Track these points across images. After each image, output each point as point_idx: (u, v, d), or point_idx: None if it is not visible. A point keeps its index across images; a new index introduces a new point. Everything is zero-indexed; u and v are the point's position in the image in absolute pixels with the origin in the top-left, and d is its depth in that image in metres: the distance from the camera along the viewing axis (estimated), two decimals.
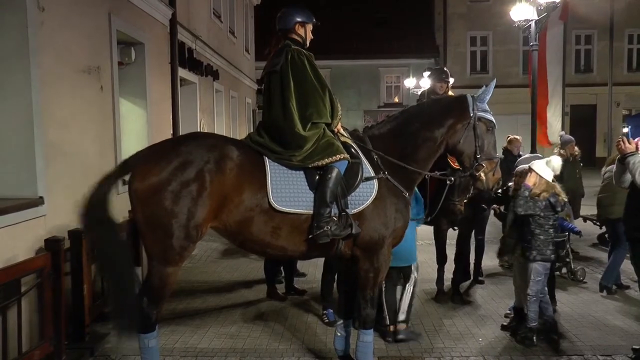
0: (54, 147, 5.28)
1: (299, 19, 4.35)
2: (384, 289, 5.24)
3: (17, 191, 4.94)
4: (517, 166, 5.80)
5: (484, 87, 4.48)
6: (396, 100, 29.35)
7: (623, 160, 4.50)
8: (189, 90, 10.89)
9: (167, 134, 9.00)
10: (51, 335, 4.54)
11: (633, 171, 4.36)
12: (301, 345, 5.11)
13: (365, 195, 4.11)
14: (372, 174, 4.17)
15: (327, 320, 5.66)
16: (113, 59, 6.85)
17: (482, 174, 4.40)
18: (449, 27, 27.60)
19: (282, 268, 6.91)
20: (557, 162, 5.18)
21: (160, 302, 3.93)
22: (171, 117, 9.30)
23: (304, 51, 4.29)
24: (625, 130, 10.53)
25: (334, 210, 3.99)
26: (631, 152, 4.41)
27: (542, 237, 5.05)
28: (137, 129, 7.97)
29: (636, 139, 6.40)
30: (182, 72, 9.95)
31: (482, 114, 4.40)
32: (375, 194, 4.12)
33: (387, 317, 5.28)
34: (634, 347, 4.77)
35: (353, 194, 4.08)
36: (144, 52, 7.96)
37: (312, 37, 4.48)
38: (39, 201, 4.93)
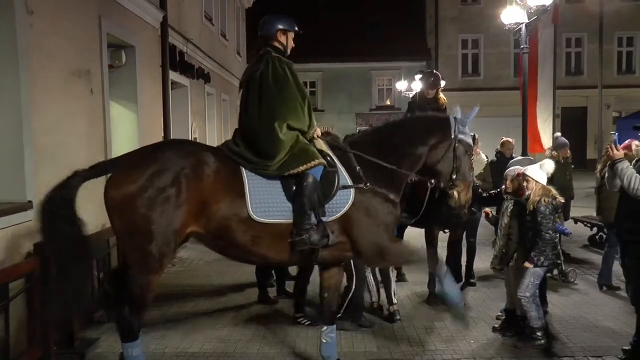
0: (43, 151, 5.25)
1: (280, 27, 4.35)
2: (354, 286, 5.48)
3: (6, 195, 4.91)
4: (509, 168, 5.82)
5: (461, 112, 4.59)
6: (388, 103, 29.44)
7: (612, 166, 4.56)
8: (180, 94, 10.86)
9: (158, 137, 8.96)
10: (40, 340, 4.50)
11: (621, 177, 4.42)
12: (292, 349, 5.09)
13: (341, 203, 4.10)
14: (349, 182, 4.15)
15: (308, 322, 5.68)
16: (103, 62, 6.83)
17: (456, 193, 4.50)
18: (440, 30, 27.71)
19: (273, 272, 6.88)
20: (550, 165, 5.22)
21: (142, 310, 3.90)
22: (162, 120, 9.27)
23: (285, 59, 4.29)
24: (613, 136, 10.56)
25: (313, 219, 3.98)
26: (619, 159, 4.47)
27: (549, 242, 5.07)
28: (128, 132, 7.94)
29: (627, 140, 6.46)
30: (173, 75, 9.92)
31: (463, 136, 4.50)
32: (351, 202, 4.11)
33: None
34: (624, 348, 4.80)
35: (330, 202, 4.08)
36: (134, 55, 7.94)
37: (294, 45, 4.48)
38: (28, 205, 4.90)
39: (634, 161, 4.72)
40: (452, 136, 4.45)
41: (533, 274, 5.08)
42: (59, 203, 3.69)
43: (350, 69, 28.45)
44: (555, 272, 7.29)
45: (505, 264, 5.47)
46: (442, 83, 7.16)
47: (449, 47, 27.75)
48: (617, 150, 4.52)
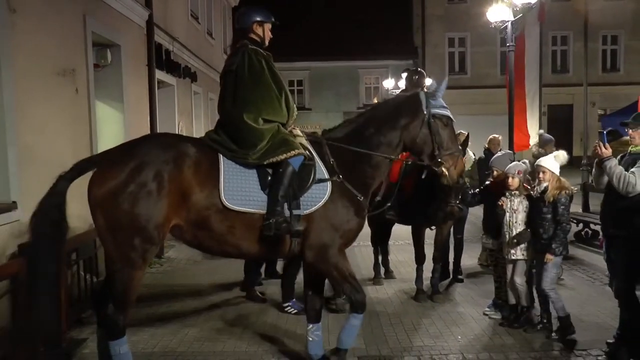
0: (28, 151, 5.20)
1: (257, 18, 4.34)
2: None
3: None
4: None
5: (437, 84, 4.53)
6: (375, 101, 29.41)
7: (600, 164, 4.61)
8: (166, 93, 10.81)
9: None
10: (26, 341, 4.45)
11: (610, 175, 4.47)
12: (281, 347, 5.09)
13: (317, 197, 4.11)
14: (326, 176, 4.16)
15: (295, 311, 5.80)
16: (88, 61, 6.78)
17: (444, 169, 4.40)
18: (427, 28, 27.82)
19: (262, 271, 6.90)
20: (564, 156, 5.26)
21: (126, 307, 3.88)
22: (149, 119, 9.22)
23: (262, 51, 4.29)
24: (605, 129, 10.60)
25: (286, 210, 4.00)
26: (607, 157, 4.51)
27: (567, 232, 5.17)
28: (114, 132, 7.89)
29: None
30: (160, 74, 9.88)
31: (437, 110, 4.40)
32: (328, 196, 4.12)
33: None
34: (607, 341, 4.86)
35: (305, 195, 4.08)
36: (120, 54, 7.89)
37: (271, 36, 4.47)
38: (12, 206, 4.86)
39: (618, 157, 4.77)
40: (424, 112, 4.37)
41: (555, 265, 5.14)
42: (50, 210, 3.70)
43: (337, 68, 28.48)
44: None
45: (513, 247, 5.43)
46: (428, 81, 7.18)
47: (435, 45, 27.86)
48: (605, 148, 4.57)
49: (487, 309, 5.92)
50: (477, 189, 6.18)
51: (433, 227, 6.60)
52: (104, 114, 7.72)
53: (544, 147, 9.02)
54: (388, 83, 24.97)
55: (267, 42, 4.42)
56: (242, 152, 4.04)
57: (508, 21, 10.14)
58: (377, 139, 4.36)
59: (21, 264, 4.46)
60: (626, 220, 4.54)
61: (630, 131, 4.65)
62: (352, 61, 28.28)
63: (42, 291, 3.73)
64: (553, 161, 5.18)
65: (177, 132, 10.89)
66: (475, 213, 8.31)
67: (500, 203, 5.48)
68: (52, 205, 3.71)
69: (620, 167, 4.48)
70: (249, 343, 5.21)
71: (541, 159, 5.29)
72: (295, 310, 5.88)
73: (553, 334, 5.18)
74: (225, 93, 4.28)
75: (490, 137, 9.41)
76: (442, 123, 4.42)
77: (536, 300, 5.48)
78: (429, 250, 6.58)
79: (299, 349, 5.00)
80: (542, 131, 10.70)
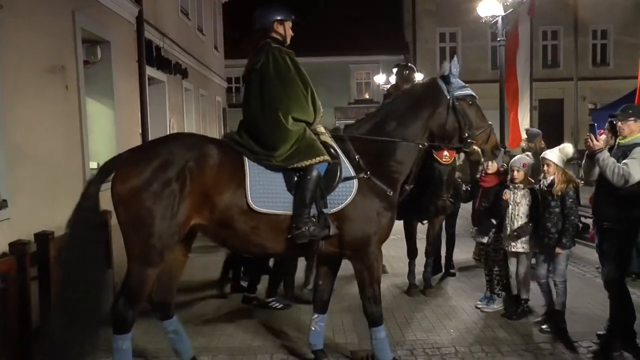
0: (18, 149, 5.16)
1: (277, 17, 4.31)
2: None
3: None
4: (513, 159, 5.88)
5: (446, 65, 4.40)
6: (366, 96, 29.55)
7: (592, 157, 4.62)
8: (157, 89, 10.74)
9: (136, 133, 8.88)
10: (18, 342, 4.44)
11: (603, 167, 4.47)
12: (274, 342, 5.10)
13: (343, 195, 4.08)
14: (352, 174, 4.12)
15: (280, 305, 5.97)
16: (78, 58, 6.73)
17: (476, 148, 4.37)
18: (417, 23, 27.82)
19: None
20: (569, 149, 5.26)
21: (137, 303, 3.91)
22: (139, 116, 9.17)
23: (285, 49, 4.26)
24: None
25: (313, 211, 3.98)
26: (599, 149, 4.52)
27: (575, 225, 5.21)
28: (105, 129, 7.85)
29: (599, 131, 6.56)
30: (150, 71, 9.81)
31: (459, 92, 4.32)
32: (354, 194, 4.08)
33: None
34: (598, 333, 4.90)
35: (332, 194, 4.06)
36: (110, 50, 7.84)
37: (292, 34, 4.42)
38: (2, 204, 4.82)
39: (606, 148, 4.79)
40: (447, 97, 4.29)
41: (565, 257, 5.20)
42: (84, 214, 3.81)
43: (328, 63, 28.40)
44: (534, 261, 7.40)
45: (514, 240, 5.46)
46: (418, 76, 7.20)
47: (426, 40, 27.88)
48: (597, 140, 4.58)
49: (479, 302, 5.96)
50: (470, 185, 6.21)
51: (425, 222, 6.62)
52: (95, 110, 7.66)
53: (533, 140, 9.09)
54: (379, 78, 25.03)
55: (288, 41, 4.37)
56: (265, 153, 4.00)
57: (498, 16, 10.19)
58: (401, 132, 4.30)
59: (12, 262, 4.44)
60: (619, 212, 4.56)
61: (619, 123, 4.65)
62: (343, 56, 28.26)
63: (78, 297, 3.75)
64: (558, 154, 5.18)
65: (168, 129, 10.87)
66: (467, 207, 8.34)
67: (504, 196, 5.50)
68: (86, 209, 3.80)
69: (613, 159, 4.47)
70: (242, 338, 5.22)
71: (546, 151, 5.31)
72: (281, 305, 5.96)
73: (544, 327, 5.22)
74: (250, 93, 4.22)
75: None
76: (467, 103, 4.34)
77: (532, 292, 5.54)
78: (421, 245, 6.60)
79: (293, 343, 5.02)
80: (527, 126, 10.81)
